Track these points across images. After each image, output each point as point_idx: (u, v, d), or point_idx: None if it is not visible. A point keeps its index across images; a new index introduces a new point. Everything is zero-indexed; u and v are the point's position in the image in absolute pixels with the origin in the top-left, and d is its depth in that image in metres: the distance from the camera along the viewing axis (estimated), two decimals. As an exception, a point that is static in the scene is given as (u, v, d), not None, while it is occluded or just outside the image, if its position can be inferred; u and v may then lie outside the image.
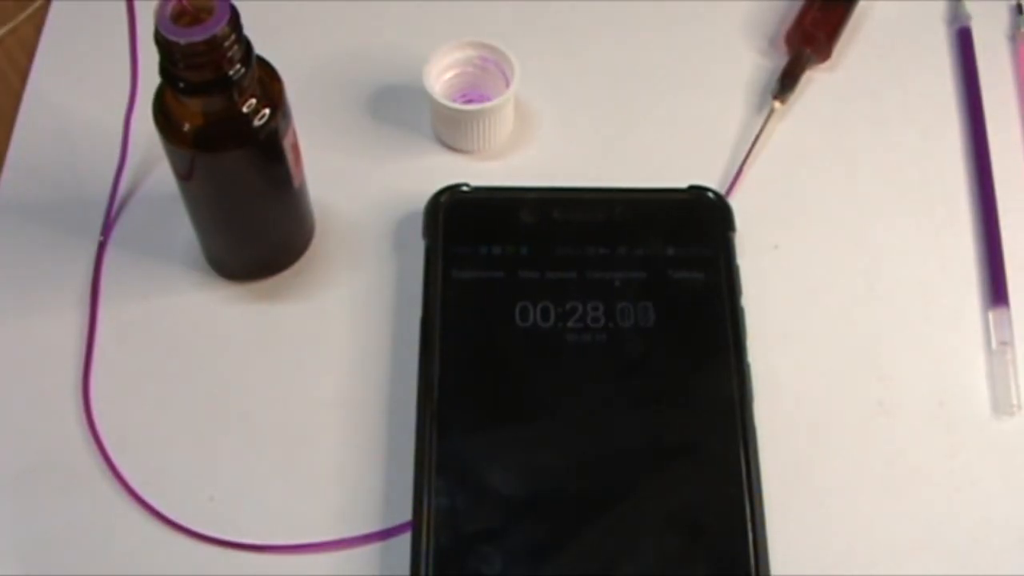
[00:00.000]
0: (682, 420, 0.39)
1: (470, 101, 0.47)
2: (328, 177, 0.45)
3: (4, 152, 0.47)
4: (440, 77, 0.46)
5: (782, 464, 0.39)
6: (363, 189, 0.46)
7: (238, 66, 0.36)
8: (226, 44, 0.35)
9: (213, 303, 0.43)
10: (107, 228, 0.45)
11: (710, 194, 0.44)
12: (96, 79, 0.49)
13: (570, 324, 0.40)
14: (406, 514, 0.38)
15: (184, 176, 0.39)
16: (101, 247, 0.45)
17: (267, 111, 0.37)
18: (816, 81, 0.50)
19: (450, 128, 0.46)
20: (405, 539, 0.38)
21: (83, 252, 0.44)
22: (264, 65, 0.38)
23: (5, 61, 0.50)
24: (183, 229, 0.43)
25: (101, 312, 0.43)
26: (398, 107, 0.48)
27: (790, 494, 0.39)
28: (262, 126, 0.37)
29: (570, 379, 0.40)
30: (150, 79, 0.37)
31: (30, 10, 0.51)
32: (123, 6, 0.46)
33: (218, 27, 0.34)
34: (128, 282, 0.44)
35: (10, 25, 0.51)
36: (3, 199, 0.46)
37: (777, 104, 0.48)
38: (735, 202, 0.44)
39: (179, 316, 0.43)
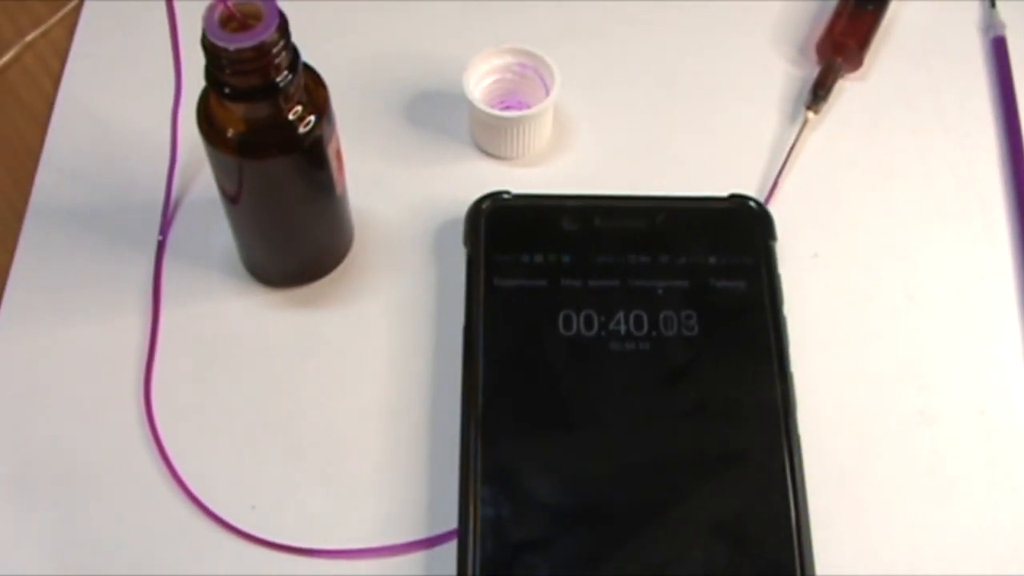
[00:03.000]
0: (726, 428, 0.39)
1: (508, 108, 0.47)
2: (366, 183, 0.45)
3: (38, 155, 0.47)
4: (479, 83, 0.46)
5: (825, 473, 0.39)
6: (401, 195, 0.46)
7: (285, 73, 0.35)
8: (274, 51, 0.34)
9: (252, 309, 0.43)
10: (165, 227, 0.45)
11: (751, 203, 0.44)
12: (132, 80, 0.49)
13: (613, 332, 0.40)
14: (450, 522, 0.38)
15: (226, 182, 0.39)
16: (160, 247, 0.44)
17: (312, 118, 0.37)
18: (848, 90, 0.50)
19: (489, 135, 0.46)
20: (449, 548, 0.38)
21: (137, 254, 0.44)
22: (310, 72, 0.38)
23: (37, 64, 0.50)
24: (221, 235, 0.43)
25: (161, 313, 0.43)
26: (436, 113, 0.48)
27: (833, 502, 0.39)
28: (307, 133, 0.37)
29: (614, 387, 0.40)
30: (194, 79, 0.37)
31: (62, 12, 0.51)
32: (157, 7, 0.45)
33: (267, 33, 0.34)
34: (170, 287, 0.44)
35: (42, 28, 0.51)
36: (41, 202, 0.46)
37: (810, 114, 0.48)
38: (772, 211, 0.44)
39: (218, 322, 0.43)
